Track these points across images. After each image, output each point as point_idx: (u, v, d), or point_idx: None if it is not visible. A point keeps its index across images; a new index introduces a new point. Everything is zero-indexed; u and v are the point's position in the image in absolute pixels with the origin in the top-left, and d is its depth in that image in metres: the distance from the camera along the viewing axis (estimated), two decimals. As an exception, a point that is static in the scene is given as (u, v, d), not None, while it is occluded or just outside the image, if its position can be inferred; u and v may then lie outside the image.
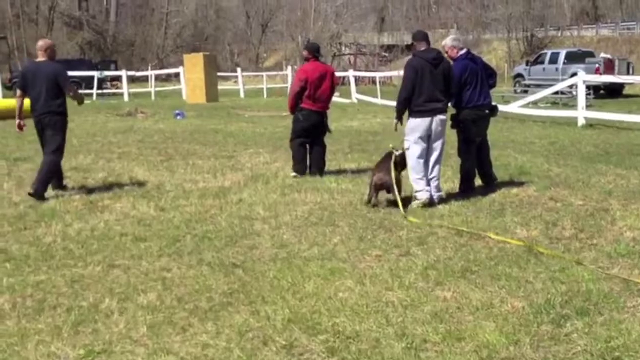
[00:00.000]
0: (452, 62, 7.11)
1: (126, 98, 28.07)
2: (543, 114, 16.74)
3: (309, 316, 3.86)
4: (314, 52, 8.53)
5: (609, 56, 27.04)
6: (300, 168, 8.37)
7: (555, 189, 7.16)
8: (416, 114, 6.58)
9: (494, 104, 7.40)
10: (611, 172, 8.20)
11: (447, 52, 7.17)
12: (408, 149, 6.67)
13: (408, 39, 56.10)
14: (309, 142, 8.47)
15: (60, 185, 7.77)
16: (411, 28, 57.49)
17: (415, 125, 6.59)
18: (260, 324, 3.80)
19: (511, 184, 7.53)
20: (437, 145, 6.66)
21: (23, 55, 50.37)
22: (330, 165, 9.28)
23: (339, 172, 8.68)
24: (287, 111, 9.02)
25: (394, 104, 6.94)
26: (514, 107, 17.75)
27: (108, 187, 7.91)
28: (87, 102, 28.65)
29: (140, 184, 8.09)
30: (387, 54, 52.20)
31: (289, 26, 52.33)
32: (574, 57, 27.12)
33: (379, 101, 23.59)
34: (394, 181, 6.52)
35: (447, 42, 7.25)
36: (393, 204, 6.52)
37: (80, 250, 5.38)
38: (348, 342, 3.52)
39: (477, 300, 4.02)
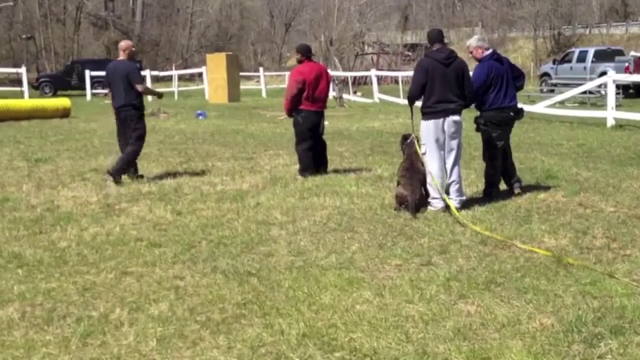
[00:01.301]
0: (477, 63, 6.96)
1: (149, 98, 28.11)
2: (570, 114, 16.34)
3: (324, 330, 3.69)
4: (306, 52, 8.46)
5: (639, 54, 26.37)
6: (306, 173, 8.34)
7: (584, 194, 6.89)
8: (427, 115, 6.40)
9: (519, 106, 7.16)
10: (643, 176, 7.89)
11: (471, 53, 6.99)
12: (424, 153, 6.47)
13: (432, 38, 55.57)
14: (314, 144, 8.43)
15: (137, 174, 8.48)
16: (435, 26, 56.93)
17: (428, 128, 6.40)
18: (273, 339, 3.63)
19: (537, 188, 7.27)
20: (453, 147, 6.44)
21: (50, 55, 50.95)
22: (350, 167, 9.12)
23: (359, 174, 8.48)
24: (284, 114, 8.90)
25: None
26: (540, 107, 17.37)
27: (126, 189, 7.83)
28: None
29: (159, 186, 7.99)
30: (410, 53, 51.75)
31: (312, 25, 52.25)
32: (603, 56, 26.53)
33: (401, 101, 23.30)
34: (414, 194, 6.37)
35: (472, 43, 7.03)
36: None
37: (94, 255, 5.28)
38: (365, 361, 3.34)
39: (502, 315, 3.80)
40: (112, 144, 12.33)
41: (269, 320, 3.87)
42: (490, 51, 6.95)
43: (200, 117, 18.57)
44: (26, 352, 3.58)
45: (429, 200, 6.44)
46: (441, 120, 6.35)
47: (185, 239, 5.66)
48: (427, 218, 6.11)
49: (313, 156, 8.46)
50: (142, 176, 8.53)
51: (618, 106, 16.03)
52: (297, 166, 8.66)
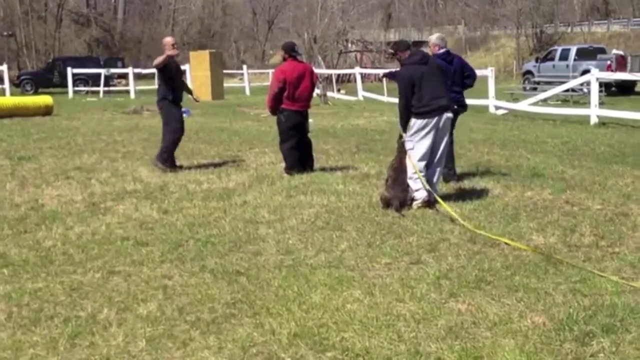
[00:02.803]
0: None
1: (132, 95, 27.94)
2: (554, 112, 16.46)
3: (315, 330, 3.66)
4: (290, 51, 8.39)
5: (620, 52, 26.65)
6: (292, 171, 8.30)
7: (570, 192, 6.93)
8: (422, 114, 6.37)
9: (466, 102, 7.88)
10: (628, 174, 7.96)
11: (430, 47, 7.68)
12: (412, 148, 6.46)
13: (415, 36, 55.85)
14: (299, 143, 8.40)
15: (173, 164, 9.00)
16: (418, 24, 57.12)
17: (421, 126, 6.39)
18: (264, 338, 3.60)
19: (524, 186, 7.30)
20: (442, 144, 6.51)
21: (31, 53, 50.36)
22: (336, 165, 9.10)
23: (346, 172, 8.46)
24: (267, 112, 8.98)
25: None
26: (523, 105, 17.50)
27: (111, 188, 7.75)
28: (93, 99, 28.37)
29: (144, 185, 7.92)
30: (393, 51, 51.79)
31: (295, 23, 52.06)
32: (585, 54, 26.78)
33: (385, 98, 23.33)
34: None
35: (432, 38, 7.81)
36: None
37: (80, 255, 5.21)
38: (357, 360, 3.32)
39: (493, 313, 3.80)
40: (95, 142, 12.21)
41: (259, 320, 3.84)
42: (443, 50, 7.54)
43: (184, 115, 18.37)
44: (13, 354, 3.52)
45: (413, 194, 6.44)
46: (436, 118, 6.37)
47: (173, 238, 5.60)
48: (415, 216, 6.10)
49: (299, 155, 8.43)
50: (181, 166, 9.12)
51: (601, 104, 16.17)
52: (283, 164, 8.63)
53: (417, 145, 6.41)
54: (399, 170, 6.52)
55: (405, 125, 6.54)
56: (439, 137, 6.45)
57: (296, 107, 8.26)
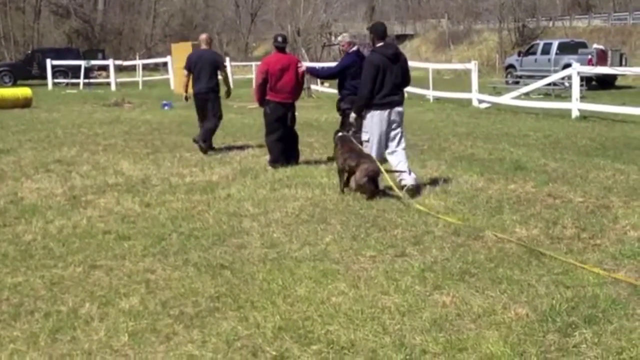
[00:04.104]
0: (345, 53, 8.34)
1: (113, 87, 27.64)
2: (536, 106, 16.56)
3: (300, 323, 3.65)
4: (275, 42, 8.53)
5: (601, 47, 26.90)
6: (277, 164, 8.30)
7: (553, 185, 6.98)
8: (376, 107, 6.69)
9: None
10: (609, 167, 8.03)
11: (342, 45, 8.42)
12: (367, 140, 6.79)
13: (398, 29, 55.91)
14: (284, 135, 8.42)
15: (210, 146, 9.70)
16: (401, 17, 57.18)
17: (374, 119, 6.72)
18: (249, 332, 3.58)
19: (507, 179, 7.34)
20: (396, 134, 6.81)
21: (10, 44, 49.57)
22: (320, 158, 9.08)
23: (330, 165, 8.43)
24: (254, 103, 9.25)
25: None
26: (505, 99, 17.59)
27: (92, 181, 7.66)
28: (73, 91, 27.96)
29: (125, 178, 7.83)
30: (377, 44, 51.77)
31: (278, 15, 51.80)
32: (567, 48, 26.96)
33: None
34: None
35: (346, 38, 8.53)
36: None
37: (61, 249, 5.14)
38: (342, 353, 3.31)
39: (477, 306, 3.81)
40: (75, 135, 12.06)
41: (243, 314, 3.82)
42: (355, 47, 8.31)
43: (166, 108, 18.29)
44: (-8, 350, 3.47)
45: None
46: (387, 111, 6.72)
47: (155, 232, 5.55)
48: (399, 209, 6.11)
49: (284, 148, 8.42)
50: (214, 148, 9.76)
51: (582, 98, 16.30)
52: (267, 157, 8.60)
53: (373, 137, 6.74)
54: (353, 151, 6.72)
55: (360, 110, 6.79)
56: (392, 129, 6.77)
57: (279, 98, 8.27)
